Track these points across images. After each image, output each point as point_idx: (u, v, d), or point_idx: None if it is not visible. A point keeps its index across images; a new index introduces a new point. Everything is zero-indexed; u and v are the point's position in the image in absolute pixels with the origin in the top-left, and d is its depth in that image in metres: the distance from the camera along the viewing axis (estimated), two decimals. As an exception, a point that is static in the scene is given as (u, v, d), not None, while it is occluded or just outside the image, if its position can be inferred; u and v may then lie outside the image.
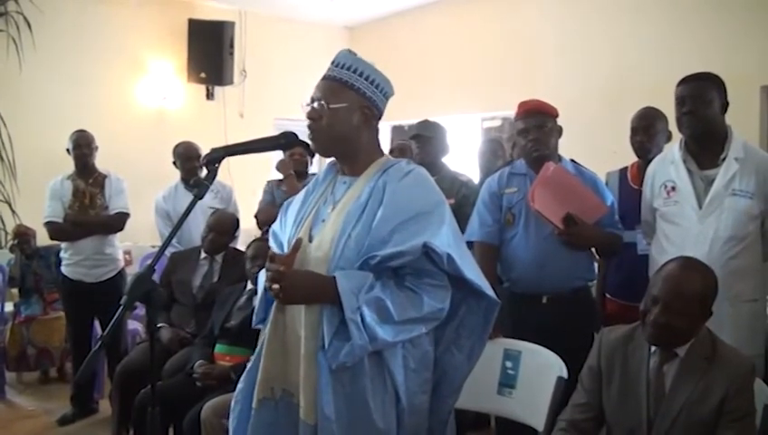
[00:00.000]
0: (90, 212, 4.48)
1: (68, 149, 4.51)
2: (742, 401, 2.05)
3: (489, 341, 2.82)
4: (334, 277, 1.86)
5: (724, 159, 2.74)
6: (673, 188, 2.84)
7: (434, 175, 3.94)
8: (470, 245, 3.23)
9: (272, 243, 2.20)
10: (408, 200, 1.94)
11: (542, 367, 2.63)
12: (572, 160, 3.21)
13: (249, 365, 2.13)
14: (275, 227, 2.23)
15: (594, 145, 4.82)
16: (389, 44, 8.10)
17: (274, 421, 1.99)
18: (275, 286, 1.85)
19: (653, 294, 2.14)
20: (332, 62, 2.04)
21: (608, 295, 3.51)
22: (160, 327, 3.76)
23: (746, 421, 2.07)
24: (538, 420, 2.55)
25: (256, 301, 2.20)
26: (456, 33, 7.59)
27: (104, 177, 4.56)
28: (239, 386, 2.13)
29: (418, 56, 7.80)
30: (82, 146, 4.49)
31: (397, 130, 7.89)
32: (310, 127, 2.01)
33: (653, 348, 2.18)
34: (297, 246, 1.94)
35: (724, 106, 2.80)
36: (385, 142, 8.15)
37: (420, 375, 1.99)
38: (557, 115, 3.11)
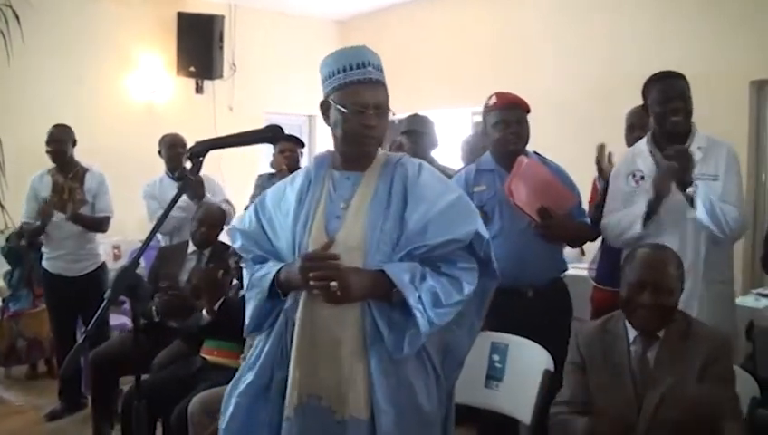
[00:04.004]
0: (68, 207, 4.46)
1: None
2: (719, 367, 2.13)
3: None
4: (381, 271, 1.92)
5: (687, 147, 2.82)
6: (642, 178, 2.93)
7: (423, 169, 4.03)
8: None
9: (241, 241, 2.17)
10: (436, 195, 2.02)
11: (529, 360, 2.65)
12: (536, 153, 3.21)
13: (251, 376, 2.08)
14: (251, 225, 2.16)
15: (586, 140, 4.81)
16: (379, 38, 8.05)
17: (307, 428, 1.97)
18: (333, 284, 1.87)
19: (636, 280, 2.21)
20: (371, 64, 2.03)
21: (596, 284, 3.56)
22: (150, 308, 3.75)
23: (727, 383, 2.14)
24: (525, 414, 2.56)
25: (249, 309, 2.13)
26: (446, 27, 7.58)
27: (85, 170, 4.56)
28: (236, 398, 2.09)
29: (408, 50, 7.78)
30: (57, 141, 4.47)
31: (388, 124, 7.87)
32: (372, 133, 2.02)
33: (632, 337, 2.24)
34: (329, 245, 1.97)
35: None
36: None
37: (439, 354, 2.10)
38: (530, 111, 3.13)
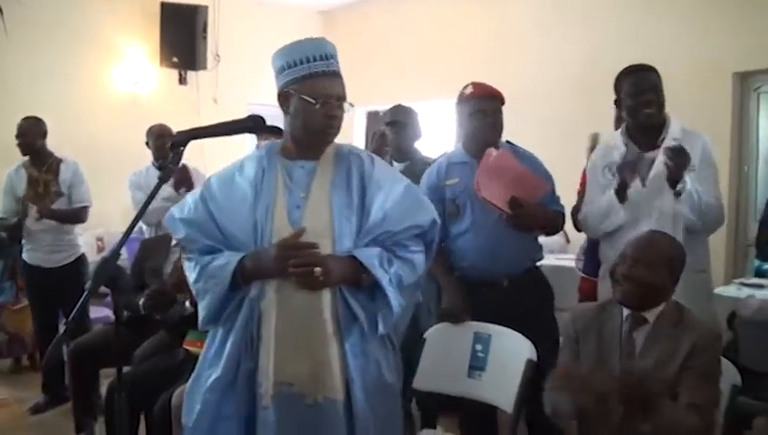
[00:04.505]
0: (44, 200, 4.44)
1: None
2: (706, 358, 2.13)
3: (459, 325, 2.89)
4: (352, 256, 2.02)
5: (662, 139, 2.86)
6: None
7: (407, 160, 4.05)
8: None
9: (185, 231, 2.12)
10: (391, 183, 2.14)
11: (512, 350, 2.66)
12: (508, 142, 3.20)
13: (217, 371, 2.06)
14: (197, 214, 2.12)
15: (569, 132, 4.84)
16: (363, 29, 8.07)
17: (282, 416, 2.00)
18: (318, 269, 1.94)
19: (621, 253, 2.30)
20: (331, 56, 2.08)
21: (583, 275, 3.58)
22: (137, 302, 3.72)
23: (709, 379, 2.13)
24: (507, 402, 2.58)
25: (204, 301, 2.11)
26: (430, 18, 7.57)
27: (59, 161, 4.53)
28: (203, 395, 2.07)
29: (392, 41, 7.78)
30: (24, 135, 4.44)
31: (371, 115, 7.87)
32: (335, 123, 2.09)
33: (625, 315, 2.28)
34: (300, 233, 2.01)
35: None
36: (360, 128, 8.22)
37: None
38: (504, 102, 3.13)
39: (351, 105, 2.11)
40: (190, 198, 2.17)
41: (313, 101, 2.02)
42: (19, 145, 4.45)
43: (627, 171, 2.82)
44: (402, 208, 2.11)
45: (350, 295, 2.05)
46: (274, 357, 2.00)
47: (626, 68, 2.94)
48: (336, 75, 2.07)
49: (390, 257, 2.06)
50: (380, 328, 2.07)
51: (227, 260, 2.05)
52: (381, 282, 2.02)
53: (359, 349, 2.05)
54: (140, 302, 3.61)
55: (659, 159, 2.78)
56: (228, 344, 2.07)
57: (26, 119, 4.48)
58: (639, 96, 2.86)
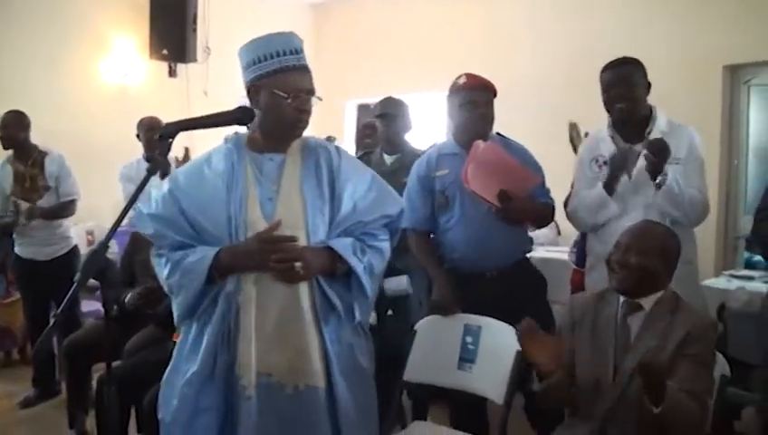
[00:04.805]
0: (33, 196, 4.41)
1: None
2: (701, 346, 2.15)
3: (449, 317, 2.89)
4: (328, 247, 2.08)
5: (649, 132, 2.87)
6: (605, 163, 2.96)
7: (397, 152, 4.04)
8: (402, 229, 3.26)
9: (155, 227, 2.10)
10: (358, 175, 2.22)
11: (502, 342, 2.66)
12: (498, 134, 3.20)
13: (194, 365, 2.06)
14: (167, 210, 2.10)
15: (559, 125, 4.84)
16: (354, 22, 8.05)
17: (264, 406, 2.03)
18: (299, 264, 2.00)
19: (617, 241, 2.33)
20: (300, 50, 2.11)
21: (576, 267, 3.60)
22: (126, 297, 3.70)
23: (704, 367, 2.16)
24: (498, 394, 2.59)
25: (179, 296, 2.10)
26: (422, 11, 7.56)
27: (44, 155, 4.49)
28: (180, 389, 2.07)
29: (383, 34, 7.76)
30: (5, 128, 4.40)
31: (363, 108, 7.86)
32: (306, 117, 2.12)
33: (621, 302, 2.31)
34: (276, 226, 2.04)
35: (647, 87, 2.93)
36: (351, 121, 8.21)
37: None
38: (497, 95, 3.13)
39: (319, 98, 2.15)
40: (156, 193, 2.15)
41: (285, 96, 2.05)
42: (1, 138, 4.42)
43: (617, 164, 2.82)
44: (372, 199, 2.19)
45: (327, 285, 2.11)
46: (256, 348, 2.02)
47: (607, 63, 2.96)
48: (306, 69, 2.11)
49: (363, 247, 2.14)
50: (357, 316, 2.13)
51: (202, 255, 2.04)
52: (357, 271, 2.09)
53: (335, 336, 2.11)
54: (126, 299, 3.59)
55: (643, 152, 2.79)
56: (205, 338, 2.07)
57: (8, 112, 4.44)
58: (611, 90, 2.89)
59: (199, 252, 2.05)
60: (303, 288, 2.08)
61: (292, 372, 2.04)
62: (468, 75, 3.11)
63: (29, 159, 4.46)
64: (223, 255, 2.03)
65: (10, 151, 4.48)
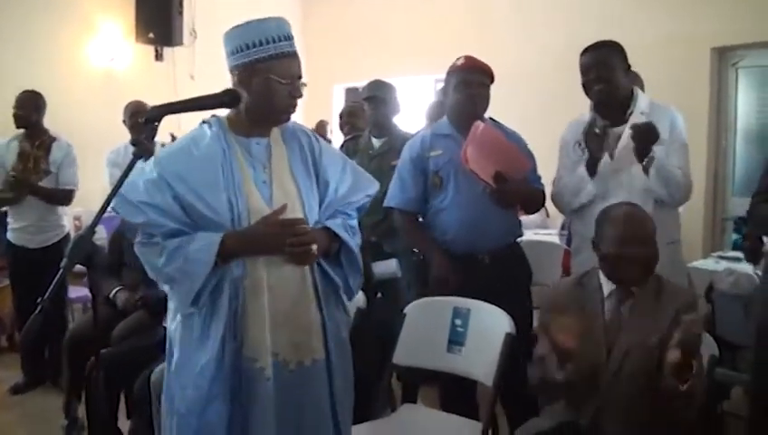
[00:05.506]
0: (32, 176, 4.38)
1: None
2: (692, 316, 2.13)
3: (438, 299, 2.90)
4: (326, 228, 2.16)
5: (630, 114, 2.87)
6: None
7: (385, 135, 4.03)
8: (389, 210, 3.25)
9: (150, 215, 2.02)
10: (336, 158, 2.32)
11: (491, 324, 2.67)
12: (492, 119, 3.20)
13: (205, 355, 2.03)
14: (162, 197, 2.03)
15: (551, 110, 4.84)
16: (343, 5, 8.00)
17: (279, 385, 2.07)
18: (315, 246, 2.07)
19: (621, 235, 2.28)
20: (292, 36, 2.12)
21: (567, 248, 3.61)
22: (118, 290, 3.69)
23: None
24: (487, 376, 2.59)
25: (184, 285, 2.04)
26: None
27: (52, 140, 4.47)
28: (194, 380, 2.04)
29: (372, 18, 7.72)
30: (23, 107, 4.39)
31: (350, 92, 7.83)
32: (296, 103, 2.14)
33: (606, 291, 2.32)
34: (282, 210, 2.06)
35: (627, 69, 2.92)
36: (339, 104, 8.19)
37: None
38: (494, 80, 3.13)
39: (305, 84, 2.16)
40: (141, 179, 2.05)
41: (282, 81, 2.06)
42: (14, 116, 4.40)
43: (594, 145, 2.81)
44: (354, 180, 2.29)
45: (328, 264, 2.20)
46: (270, 330, 2.05)
47: (585, 47, 2.95)
48: (297, 56, 2.13)
49: (354, 226, 2.27)
50: (354, 291, 2.27)
51: (206, 241, 2.00)
52: (353, 248, 2.21)
53: (329, 312, 2.20)
54: (116, 297, 3.55)
55: (626, 132, 2.78)
56: (213, 325, 2.04)
57: (24, 92, 4.44)
58: (589, 73, 2.88)
59: (201, 239, 2.00)
60: (307, 269, 2.15)
61: (296, 349, 2.11)
62: (467, 57, 3.12)
63: (37, 140, 4.44)
64: (228, 240, 2.00)
65: (21, 131, 4.46)
